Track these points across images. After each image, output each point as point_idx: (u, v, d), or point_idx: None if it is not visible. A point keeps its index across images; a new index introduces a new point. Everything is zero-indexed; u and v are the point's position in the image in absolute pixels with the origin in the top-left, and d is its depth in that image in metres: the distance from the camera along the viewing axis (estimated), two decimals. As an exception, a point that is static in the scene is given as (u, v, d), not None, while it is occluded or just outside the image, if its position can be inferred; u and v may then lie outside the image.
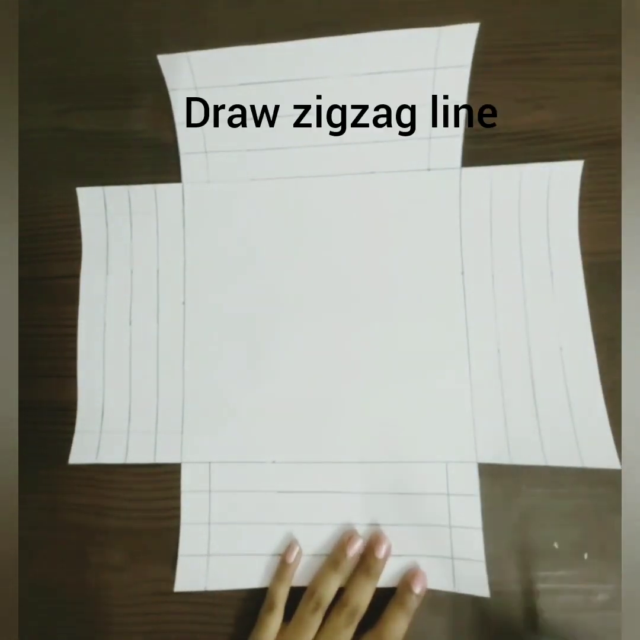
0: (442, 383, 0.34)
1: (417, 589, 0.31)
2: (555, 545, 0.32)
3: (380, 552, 0.32)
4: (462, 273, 0.35)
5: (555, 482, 0.32)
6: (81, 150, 0.40)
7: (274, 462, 0.34)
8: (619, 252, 0.34)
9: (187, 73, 0.38)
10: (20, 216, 0.34)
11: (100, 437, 0.36)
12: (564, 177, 0.35)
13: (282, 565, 0.32)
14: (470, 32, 0.37)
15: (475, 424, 0.33)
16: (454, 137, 0.36)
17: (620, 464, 0.31)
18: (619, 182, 0.35)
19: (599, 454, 0.32)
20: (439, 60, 0.37)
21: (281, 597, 0.32)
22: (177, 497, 0.35)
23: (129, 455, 0.35)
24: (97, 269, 0.38)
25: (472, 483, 0.33)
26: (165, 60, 0.39)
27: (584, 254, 0.35)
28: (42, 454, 0.36)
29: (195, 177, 0.38)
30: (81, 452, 0.35)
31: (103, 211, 0.38)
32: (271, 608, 0.31)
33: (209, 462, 0.35)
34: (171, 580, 0.34)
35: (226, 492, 0.34)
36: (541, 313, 0.34)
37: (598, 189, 0.35)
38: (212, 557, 0.34)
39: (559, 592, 0.31)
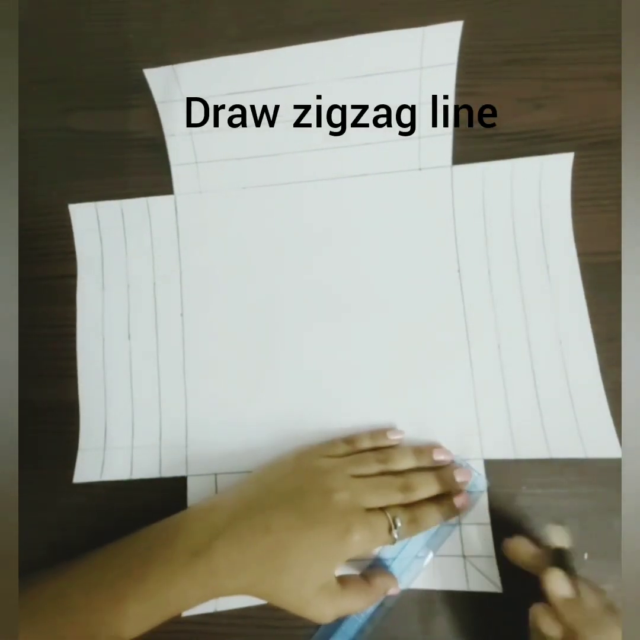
0: (445, 382, 0.34)
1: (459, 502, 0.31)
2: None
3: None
4: (459, 271, 0.35)
5: (557, 482, 0.32)
6: (81, 150, 0.40)
7: None
8: (619, 252, 0.34)
9: (174, 86, 0.38)
10: (20, 216, 0.34)
11: (105, 454, 0.35)
12: (555, 169, 0.36)
13: None
14: (454, 30, 0.37)
15: (479, 421, 0.33)
16: (443, 136, 0.36)
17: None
18: (619, 181, 0.35)
19: (600, 443, 0.32)
20: (425, 60, 0.37)
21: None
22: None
23: (134, 471, 0.35)
24: (93, 286, 0.38)
25: (479, 480, 0.33)
26: (151, 74, 0.39)
27: (585, 254, 0.35)
28: (43, 454, 0.36)
29: (187, 188, 0.38)
30: (86, 470, 0.35)
31: (97, 227, 0.38)
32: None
33: (215, 474, 0.34)
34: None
35: None
36: (539, 306, 0.34)
37: (598, 188, 0.35)
38: None
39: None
